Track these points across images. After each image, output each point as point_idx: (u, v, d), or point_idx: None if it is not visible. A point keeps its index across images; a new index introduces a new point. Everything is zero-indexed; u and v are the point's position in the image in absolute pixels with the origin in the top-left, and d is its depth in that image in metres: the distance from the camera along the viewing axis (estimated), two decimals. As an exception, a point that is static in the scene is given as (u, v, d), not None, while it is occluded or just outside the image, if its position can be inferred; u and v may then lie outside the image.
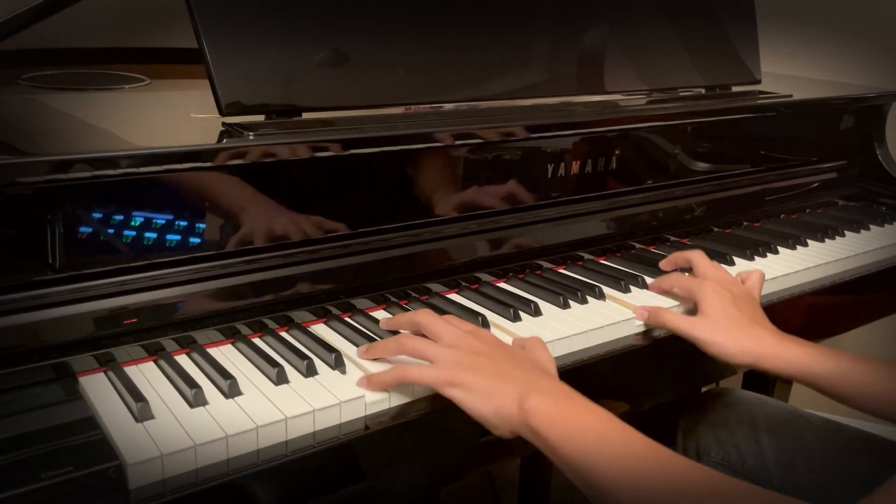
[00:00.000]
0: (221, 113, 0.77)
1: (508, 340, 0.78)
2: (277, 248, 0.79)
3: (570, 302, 0.88)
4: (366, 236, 0.84)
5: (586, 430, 0.62)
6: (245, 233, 0.77)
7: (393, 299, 0.86)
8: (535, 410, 0.63)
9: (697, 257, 0.93)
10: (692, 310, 0.88)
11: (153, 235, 0.72)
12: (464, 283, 0.92)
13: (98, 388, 0.67)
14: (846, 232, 1.20)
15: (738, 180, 1.23)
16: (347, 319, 0.82)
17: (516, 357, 0.70)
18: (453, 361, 0.67)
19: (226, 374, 0.68)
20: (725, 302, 0.84)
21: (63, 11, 1.01)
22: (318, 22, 0.83)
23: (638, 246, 1.09)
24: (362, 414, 0.67)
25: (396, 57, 0.89)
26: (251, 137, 0.75)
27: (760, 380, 1.48)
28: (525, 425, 0.63)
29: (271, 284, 0.79)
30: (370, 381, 0.69)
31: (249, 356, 0.73)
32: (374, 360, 0.73)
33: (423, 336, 0.73)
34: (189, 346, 0.74)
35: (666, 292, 0.92)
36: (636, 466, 0.59)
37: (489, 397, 0.65)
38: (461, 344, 0.70)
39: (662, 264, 0.97)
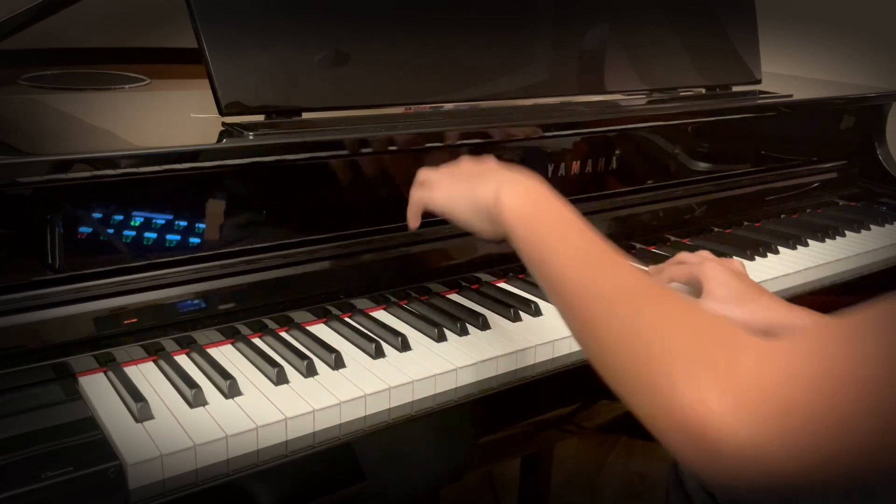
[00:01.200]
0: (221, 113, 0.77)
1: (509, 340, 0.78)
2: (277, 248, 0.79)
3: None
4: (366, 236, 0.85)
5: (550, 229, 0.62)
6: (245, 233, 0.77)
7: (393, 299, 0.86)
8: (507, 204, 0.65)
9: (685, 253, 0.94)
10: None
11: (153, 235, 0.72)
12: (464, 283, 0.92)
13: (98, 388, 0.67)
14: (846, 232, 1.20)
15: (739, 180, 1.23)
16: (347, 319, 0.82)
17: (499, 165, 0.71)
18: (447, 180, 0.73)
19: (226, 375, 0.68)
20: (728, 277, 0.85)
21: (63, 11, 1.01)
22: (318, 22, 0.83)
23: (638, 246, 1.09)
24: (362, 414, 0.67)
25: (396, 57, 0.89)
26: (251, 137, 0.75)
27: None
28: (500, 220, 0.65)
29: (271, 284, 0.79)
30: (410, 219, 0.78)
31: (249, 356, 0.73)
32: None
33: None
34: (189, 346, 0.74)
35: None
36: (587, 269, 0.58)
37: (473, 199, 0.68)
38: (452, 168, 0.74)
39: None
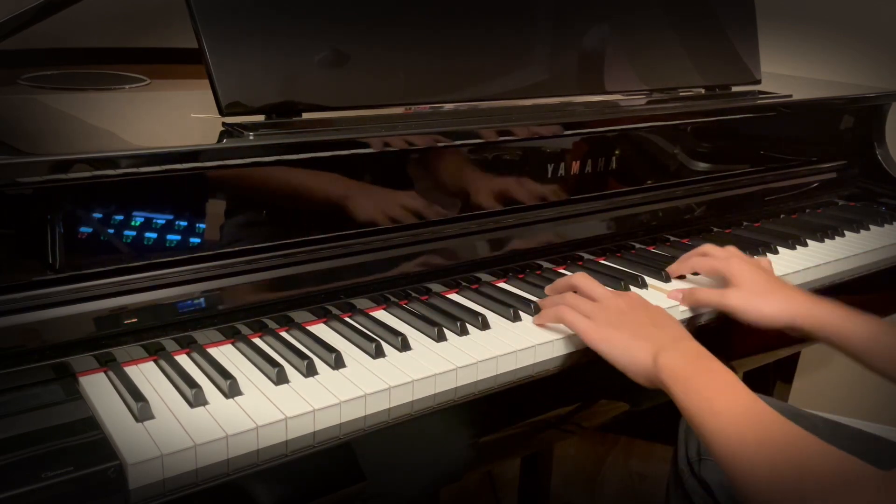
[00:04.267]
0: (221, 113, 0.77)
1: (509, 340, 0.78)
2: (277, 247, 0.79)
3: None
4: (366, 236, 0.85)
5: (701, 389, 0.69)
6: (245, 233, 0.77)
7: (393, 299, 0.86)
8: (665, 367, 0.71)
9: (711, 246, 0.96)
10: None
11: (153, 235, 0.72)
12: (464, 283, 0.92)
13: (98, 388, 0.67)
14: (846, 232, 1.20)
15: (738, 180, 1.23)
16: (347, 319, 0.82)
17: (655, 316, 0.79)
18: (603, 319, 0.78)
19: (226, 374, 0.68)
20: (753, 270, 0.88)
21: (63, 11, 1.01)
22: (318, 22, 0.83)
23: (638, 246, 1.09)
24: (362, 414, 0.67)
25: (396, 57, 0.89)
26: (251, 137, 0.75)
27: (760, 380, 1.48)
28: (658, 378, 0.72)
29: (271, 284, 0.79)
30: (539, 316, 0.83)
31: (249, 356, 0.73)
32: (540, 324, 0.83)
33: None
34: (189, 345, 0.74)
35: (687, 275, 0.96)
36: (731, 425, 0.65)
37: (630, 352, 0.75)
38: (610, 304, 0.80)
39: (674, 268, 0.98)
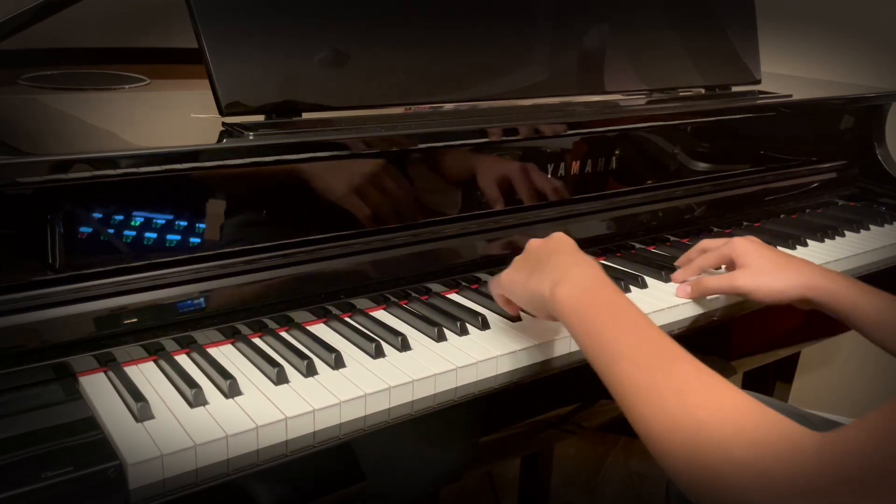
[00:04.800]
0: (221, 113, 0.77)
1: (509, 339, 0.78)
2: (277, 248, 0.79)
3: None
4: (366, 236, 0.85)
5: (600, 327, 0.65)
6: (245, 233, 0.77)
7: (393, 299, 0.86)
8: (560, 300, 0.68)
9: (708, 240, 0.96)
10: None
11: (153, 235, 0.72)
12: (464, 283, 0.92)
13: (98, 388, 0.67)
14: (846, 232, 1.20)
15: (738, 180, 1.23)
16: (347, 319, 0.82)
17: (553, 251, 0.75)
18: (513, 267, 0.77)
19: (226, 374, 0.68)
20: (758, 247, 0.88)
21: (63, 11, 1.01)
22: (318, 22, 0.83)
23: (638, 246, 1.09)
24: (362, 414, 0.67)
25: (396, 57, 0.89)
26: (251, 137, 0.75)
27: (760, 380, 1.48)
28: (555, 312, 0.69)
29: (271, 284, 0.79)
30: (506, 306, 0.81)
31: (249, 356, 0.73)
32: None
33: None
34: (189, 346, 0.74)
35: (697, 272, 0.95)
36: (642, 377, 0.60)
37: (528, 288, 0.73)
38: (527, 249, 0.78)
39: (680, 275, 0.97)
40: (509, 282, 0.76)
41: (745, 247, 0.88)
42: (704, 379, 0.58)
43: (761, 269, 0.86)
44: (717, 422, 0.54)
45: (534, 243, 0.78)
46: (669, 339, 0.62)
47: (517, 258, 0.78)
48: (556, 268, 0.71)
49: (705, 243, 0.95)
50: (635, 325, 0.64)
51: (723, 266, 0.93)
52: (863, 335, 0.83)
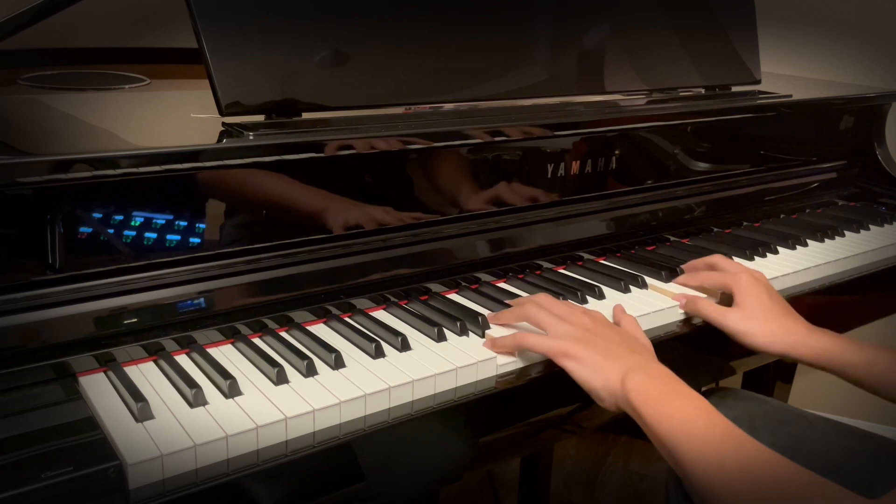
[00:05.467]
0: (221, 113, 0.77)
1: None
2: (277, 247, 0.79)
3: (571, 302, 0.88)
4: (366, 236, 0.85)
5: (674, 413, 0.67)
6: (245, 233, 0.77)
7: (393, 299, 0.86)
8: (634, 389, 0.69)
9: (722, 259, 0.96)
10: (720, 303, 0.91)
11: (153, 235, 0.72)
12: (464, 283, 0.92)
13: (98, 388, 0.67)
14: (846, 232, 1.20)
15: (738, 180, 1.23)
16: (347, 319, 0.82)
17: (624, 337, 0.77)
18: (568, 335, 0.75)
19: (226, 374, 0.68)
20: (761, 293, 0.88)
21: (63, 11, 1.01)
22: (318, 22, 0.83)
23: (638, 246, 1.09)
24: (362, 414, 0.67)
25: (396, 57, 0.89)
26: (251, 137, 0.75)
27: (760, 380, 1.48)
28: (626, 401, 0.69)
29: (271, 284, 0.79)
30: (494, 344, 0.77)
31: (249, 356, 0.73)
32: (501, 325, 0.81)
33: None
34: (189, 346, 0.74)
35: (695, 288, 0.95)
36: (711, 451, 0.64)
37: (599, 372, 0.72)
38: (575, 320, 0.77)
39: (681, 279, 0.97)
40: (575, 356, 0.73)
41: (748, 286, 0.88)
42: (766, 456, 0.62)
43: (753, 315, 0.86)
44: (775, 495, 0.59)
45: (598, 319, 0.79)
46: (738, 429, 0.65)
47: (573, 327, 0.76)
48: (628, 358, 0.73)
49: (718, 260, 0.95)
50: (707, 412, 0.67)
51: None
52: (856, 386, 0.84)
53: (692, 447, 0.64)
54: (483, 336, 0.79)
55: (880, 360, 0.81)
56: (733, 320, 0.86)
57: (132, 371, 0.70)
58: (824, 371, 0.85)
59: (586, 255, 1.03)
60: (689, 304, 0.90)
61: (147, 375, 0.69)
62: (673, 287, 0.95)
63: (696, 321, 0.91)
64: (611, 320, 0.83)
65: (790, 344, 0.84)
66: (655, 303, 0.90)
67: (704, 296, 0.92)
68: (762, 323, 0.85)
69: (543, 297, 0.82)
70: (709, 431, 0.65)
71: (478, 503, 1.65)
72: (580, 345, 0.74)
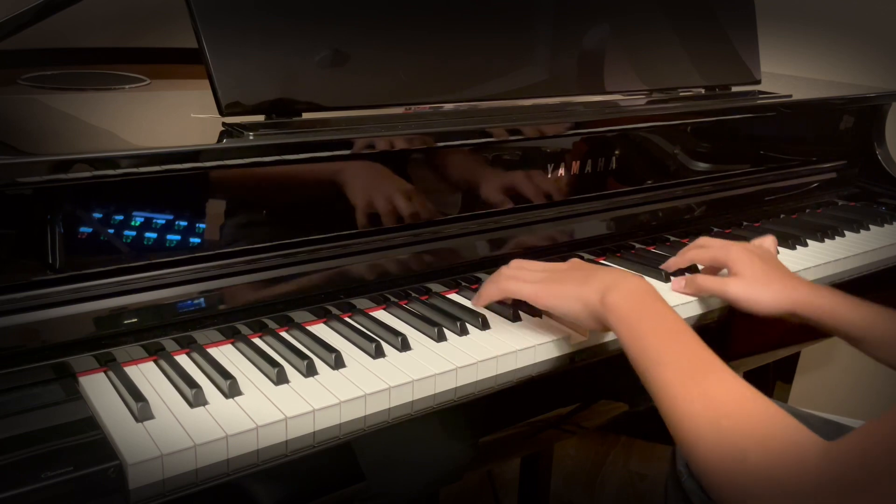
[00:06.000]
0: (221, 113, 0.77)
1: (509, 339, 0.78)
2: (277, 247, 0.79)
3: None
4: (366, 236, 0.85)
5: (648, 334, 0.69)
6: (245, 232, 0.77)
7: (393, 299, 0.86)
8: (611, 306, 0.72)
9: (707, 238, 0.97)
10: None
11: (153, 235, 0.72)
12: (464, 283, 0.92)
13: (98, 388, 0.67)
14: (846, 232, 1.20)
15: (738, 180, 1.23)
16: (347, 319, 0.82)
17: (600, 268, 0.80)
18: (545, 278, 0.79)
19: (226, 374, 0.68)
20: (754, 258, 0.89)
21: (63, 11, 1.01)
22: (318, 22, 0.83)
23: (638, 246, 1.09)
24: (362, 414, 0.67)
25: (396, 57, 0.89)
26: (251, 137, 0.75)
27: (760, 380, 1.48)
28: (605, 318, 0.73)
29: (271, 284, 0.79)
30: (479, 297, 0.84)
31: (249, 356, 0.73)
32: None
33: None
34: (189, 345, 0.74)
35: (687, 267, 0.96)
36: (676, 376, 0.65)
37: (578, 299, 0.76)
38: (548, 267, 0.82)
39: (672, 262, 0.98)
40: (554, 293, 0.78)
41: (739, 255, 0.89)
42: (731, 388, 0.63)
43: (752, 280, 0.86)
44: (736, 429, 0.59)
45: (574, 261, 0.84)
46: (708, 350, 0.67)
47: (544, 269, 0.81)
48: (605, 278, 0.75)
49: (704, 240, 0.96)
50: (678, 335, 0.69)
51: (725, 269, 0.94)
52: (854, 347, 0.84)
53: (661, 373, 0.66)
54: (482, 331, 0.79)
55: (883, 322, 0.82)
56: (735, 288, 0.87)
57: (132, 371, 0.70)
58: (827, 330, 0.85)
59: (586, 255, 1.03)
60: (690, 282, 0.91)
61: (147, 375, 0.69)
62: (672, 286, 0.95)
63: (705, 318, 0.91)
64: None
65: (794, 300, 0.85)
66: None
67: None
68: (764, 285, 0.86)
69: (514, 261, 0.85)
70: (679, 357, 0.66)
71: (478, 503, 1.65)
72: (557, 283, 0.78)
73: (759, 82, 1.27)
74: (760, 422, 0.60)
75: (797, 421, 0.59)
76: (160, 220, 0.72)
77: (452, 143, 0.88)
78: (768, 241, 0.96)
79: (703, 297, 0.91)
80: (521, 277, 0.81)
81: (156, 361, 0.72)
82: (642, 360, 0.68)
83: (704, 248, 0.94)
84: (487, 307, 0.86)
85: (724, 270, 0.93)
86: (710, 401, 0.62)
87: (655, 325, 0.70)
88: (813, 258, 1.08)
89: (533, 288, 0.79)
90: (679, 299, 0.91)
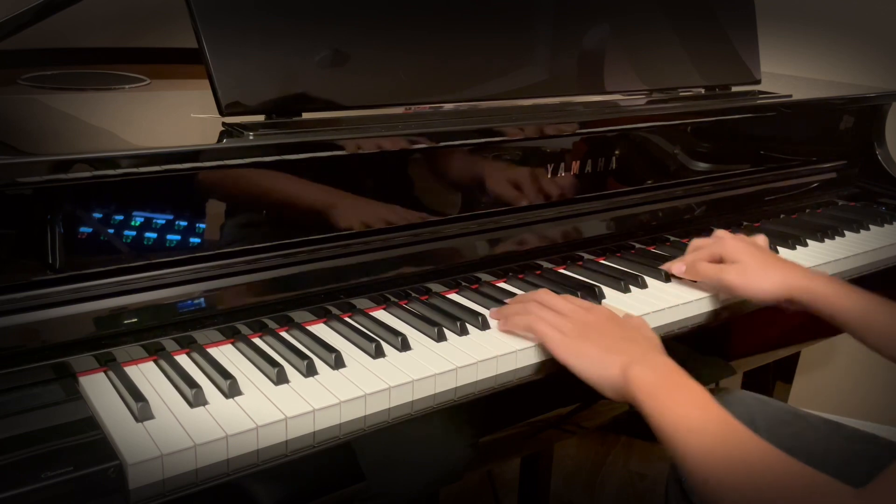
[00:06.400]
0: (221, 113, 0.77)
1: (509, 339, 0.78)
2: (277, 247, 0.79)
3: (572, 297, 0.88)
4: (366, 236, 0.85)
5: (674, 405, 0.68)
6: (245, 232, 0.77)
7: (393, 299, 0.86)
8: (635, 380, 0.70)
9: (698, 240, 0.98)
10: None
11: (153, 235, 0.72)
12: (464, 283, 0.92)
13: (98, 388, 0.67)
14: (846, 232, 1.20)
15: (738, 180, 1.23)
16: (347, 319, 0.82)
17: (626, 330, 0.77)
18: (572, 331, 0.76)
19: (226, 374, 0.68)
20: (748, 246, 0.90)
21: (63, 11, 1.01)
22: (318, 22, 0.83)
23: (638, 246, 1.09)
24: (362, 413, 0.67)
25: (396, 57, 0.89)
26: (251, 137, 0.75)
27: (760, 380, 1.48)
28: (629, 393, 0.70)
29: (271, 284, 0.79)
30: (506, 322, 0.80)
31: (249, 356, 0.73)
32: (505, 331, 0.81)
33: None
34: (189, 345, 0.74)
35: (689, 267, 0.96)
36: (708, 444, 0.64)
37: (600, 366, 0.73)
38: (578, 318, 0.78)
39: (671, 263, 0.98)
40: (577, 352, 0.75)
41: (734, 245, 0.90)
42: (767, 453, 0.63)
43: (749, 267, 0.88)
44: (778, 495, 0.60)
45: (603, 313, 0.80)
46: (735, 421, 0.66)
47: (571, 319, 0.77)
48: (631, 350, 0.73)
49: (696, 242, 0.97)
50: (708, 405, 0.68)
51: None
52: (850, 335, 0.84)
53: (690, 440, 0.65)
54: (482, 331, 0.79)
55: (879, 311, 0.82)
56: (732, 275, 0.88)
57: (132, 371, 0.70)
58: (823, 317, 0.85)
59: (586, 255, 1.03)
60: (690, 268, 0.93)
61: (147, 375, 0.69)
62: (672, 286, 0.95)
63: (700, 321, 0.91)
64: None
65: (791, 287, 0.85)
66: (655, 303, 0.90)
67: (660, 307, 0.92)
68: (760, 272, 0.87)
69: (544, 294, 0.82)
70: (707, 424, 0.66)
71: (478, 503, 1.65)
72: (582, 340, 0.75)
73: (759, 82, 1.27)
74: (794, 479, 0.61)
75: (826, 475, 0.60)
76: (160, 220, 0.72)
77: (452, 143, 0.88)
78: (760, 238, 0.97)
79: (701, 280, 0.92)
80: (549, 320, 0.77)
81: (156, 361, 0.72)
82: (669, 430, 0.66)
83: (702, 249, 0.94)
84: (487, 307, 0.86)
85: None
86: (744, 464, 0.62)
87: (682, 396, 0.69)
88: (813, 258, 1.08)
89: (559, 340, 0.76)
90: (679, 299, 0.91)
